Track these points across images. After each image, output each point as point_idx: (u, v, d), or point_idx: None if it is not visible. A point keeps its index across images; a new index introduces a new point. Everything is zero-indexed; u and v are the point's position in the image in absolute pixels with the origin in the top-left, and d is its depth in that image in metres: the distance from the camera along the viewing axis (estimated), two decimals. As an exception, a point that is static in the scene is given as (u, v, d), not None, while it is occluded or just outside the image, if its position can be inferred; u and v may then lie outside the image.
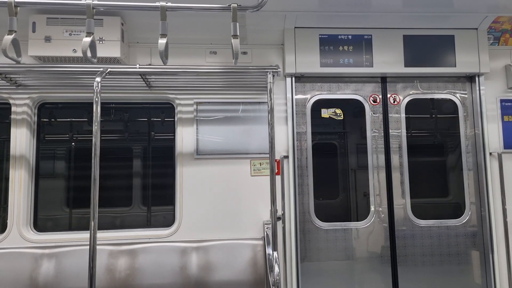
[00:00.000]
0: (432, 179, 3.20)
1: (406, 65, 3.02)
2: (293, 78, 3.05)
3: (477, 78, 3.14)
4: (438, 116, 3.24)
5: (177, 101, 3.00)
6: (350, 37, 3.02)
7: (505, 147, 3.12)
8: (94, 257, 2.10)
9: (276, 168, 2.78)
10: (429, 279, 3.02)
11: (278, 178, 2.91)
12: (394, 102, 3.16)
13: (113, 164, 3.12)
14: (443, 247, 3.05)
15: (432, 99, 3.21)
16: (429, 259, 3.04)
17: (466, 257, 3.06)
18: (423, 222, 3.07)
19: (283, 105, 3.04)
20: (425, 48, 3.05)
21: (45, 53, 2.64)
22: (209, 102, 3.01)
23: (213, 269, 2.73)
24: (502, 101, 3.18)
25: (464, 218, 3.10)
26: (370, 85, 3.17)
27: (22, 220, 2.79)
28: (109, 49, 2.67)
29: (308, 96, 3.12)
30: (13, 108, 2.87)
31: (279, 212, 2.89)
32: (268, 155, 2.84)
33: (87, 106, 3.07)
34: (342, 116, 3.15)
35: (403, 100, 3.17)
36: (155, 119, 3.18)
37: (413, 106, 3.17)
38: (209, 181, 2.94)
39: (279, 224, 2.90)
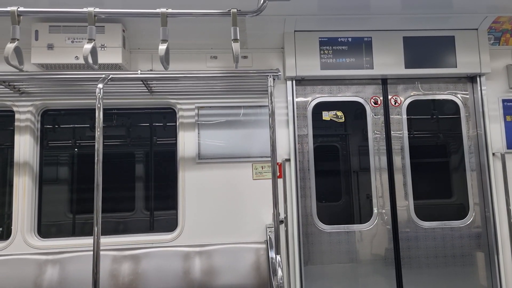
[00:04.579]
0: (435, 180, 3.19)
1: (406, 67, 3.02)
2: (294, 81, 3.05)
3: (478, 79, 3.13)
4: (439, 117, 3.23)
5: (179, 106, 3.01)
6: (350, 39, 3.03)
7: (508, 147, 3.11)
8: (98, 263, 2.11)
9: (278, 171, 2.78)
10: (434, 281, 3.00)
11: (280, 181, 2.91)
12: (395, 103, 3.16)
13: (115, 169, 3.13)
14: (447, 248, 3.03)
15: (433, 100, 3.20)
16: (433, 261, 3.02)
17: (471, 258, 3.04)
18: (426, 224, 3.05)
19: (284, 108, 3.05)
20: (426, 49, 3.05)
21: (47, 61, 2.67)
22: (210, 107, 3.03)
23: (216, 273, 2.73)
24: (504, 101, 3.16)
25: (468, 219, 3.08)
26: (371, 87, 3.17)
27: (26, 226, 2.81)
28: (111, 55, 2.70)
29: (309, 99, 3.13)
30: (17, 116, 2.90)
31: (282, 216, 2.89)
32: (269, 159, 2.85)
33: (90, 112, 3.10)
34: (343, 118, 3.15)
35: (404, 101, 3.17)
36: (156, 124, 3.20)
37: (414, 108, 3.17)
38: (211, 185, 2.95)
39: (282, 227, 2.89)
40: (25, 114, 2.91)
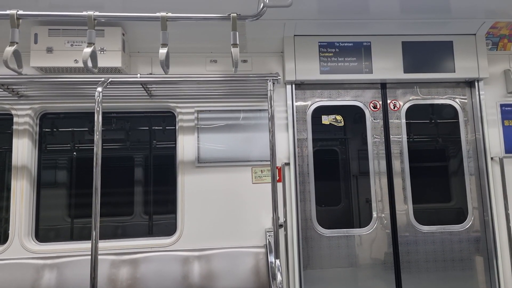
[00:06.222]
0: (434, 184, 3.19)
1: (405, 71, 3.04)
2: (293, 85, 3.06)
3: (476, 83, 3.15)
4: (438, 121, 3.24)
5: (178, 110, 3.01)
6: (349, 44, 3.04)
7: (506, 152, 3.12)
8: (96, 267, 2.10)
9: (277, 175, 2.78)
10: (433, 285, 2.99)
11: (279, 185, 2.91)
12: (394, 108, 3.17)
13: (114, 173, 3.12)
14: (447, 252, 3.03)
15: (432, 105, 3.22)
16: (432, 265, 3.01)
17: (470, 262, 3.04)
18: (425, 228, 3.05)
19: (283, 112, 3.05)
20: (424, 54, 3.07)
21: (47, 64, 2.67)
22: (209, 110, 3.02)
23: (215, 277, 2.72)
24: (502, 105, 3.18)
25: (467, 224, 3.09)
26: (370, 91, 3.18)
27: (24, 230, 2.79)
28: (110, 59, 2.70)
29: (309, 103, 3.13)
30: (15, 119, 2.88)
31: (281, 220, 2.89)
32: (269, 163, 2.85)
33: (89, 116, 3.08)
34: (342, 122, 3.15)
35: (403, 106, 3.18)
36: (156, 127, 3.19)
37: (413, 112, 3.18)
38: (210, 189, 2.94)
39: (281, 231, 2.88)
40: (24, 117, 2.89)
